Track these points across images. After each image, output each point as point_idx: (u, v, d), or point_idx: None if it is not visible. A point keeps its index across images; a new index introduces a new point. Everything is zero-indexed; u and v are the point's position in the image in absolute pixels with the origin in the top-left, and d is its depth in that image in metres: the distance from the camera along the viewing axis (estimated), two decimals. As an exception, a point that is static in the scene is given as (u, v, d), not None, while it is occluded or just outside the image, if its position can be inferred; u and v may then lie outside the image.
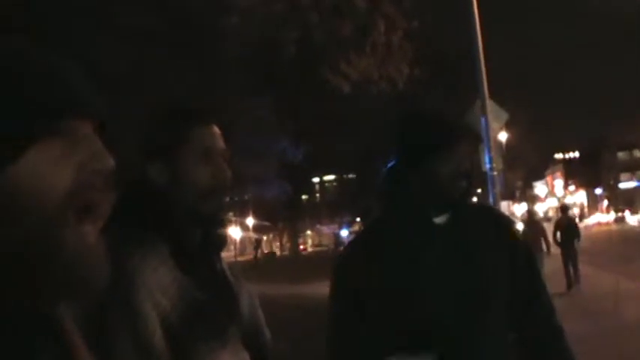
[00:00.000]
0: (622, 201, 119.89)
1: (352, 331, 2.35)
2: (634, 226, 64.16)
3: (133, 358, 1.64)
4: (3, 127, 0.77)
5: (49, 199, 0.79)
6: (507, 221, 2.64)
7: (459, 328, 2.23)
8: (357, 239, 2.59)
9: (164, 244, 1.80)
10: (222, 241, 1.97)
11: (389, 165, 2.47)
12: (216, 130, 1.96)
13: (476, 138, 2.41)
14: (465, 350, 2.23)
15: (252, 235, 56.43)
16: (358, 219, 74.00)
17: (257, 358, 1.94)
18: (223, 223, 1.95)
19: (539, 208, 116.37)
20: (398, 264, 2.29)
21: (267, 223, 53.99)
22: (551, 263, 16.32)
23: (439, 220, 2.35)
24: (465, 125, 2.40)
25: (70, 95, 0.84)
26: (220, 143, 1.95)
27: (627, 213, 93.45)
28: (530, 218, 18.29)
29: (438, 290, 2.25)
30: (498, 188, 12.33)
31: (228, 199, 2.00)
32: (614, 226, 71.33)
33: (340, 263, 2.47)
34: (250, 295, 2.05)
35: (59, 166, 0.80)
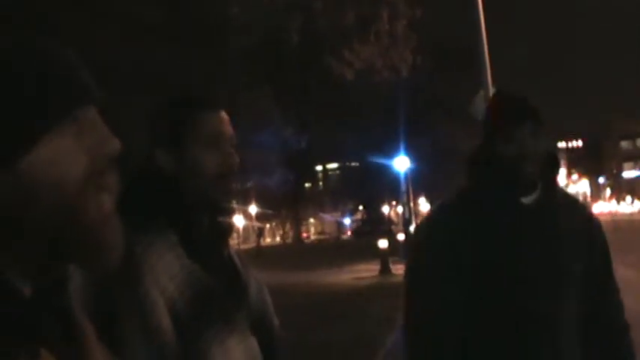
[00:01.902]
0: (625, 190, 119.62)
1: (436, 292, 2.39)
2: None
3: (141, 344, 1.65)
4: (18, 118, 0.82)
5: (65, 183, 0.84)
6: (591, 213, 2.67)
7: (543, 305, 2.30)
8: (444, 210, 2.57)
9: (172, 230, 1.81)
10: (230, 227, 1.97)
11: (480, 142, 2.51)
12: (224, 115, 1.95)
13: (539, 121, 2.36)
14: (547, 328, 2.30)
15: (255, 223, 56.47)
16: (361, 207, 74.08)
17: (265, 344, 1.95)
18: (231, 210, 1.95)
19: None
20: (487, 243, 2.34)
21: (270, 211, 53.98)
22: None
23: (526, 200, 2.39)
24: (528, 107, 2.38)
25: (78, 83, 0.88)
26: (228, 129, 1.95)
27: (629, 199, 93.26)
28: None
29: (523, 271, 2.31)
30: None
31: (234, 185, 2.00)
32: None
33: (428, 233, 2.53)
34: (258, 281, 2.06)
35: (73, 152, 0.85)
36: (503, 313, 2.32)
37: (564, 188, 2.78)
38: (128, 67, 9.61)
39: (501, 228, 2.36)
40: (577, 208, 2.56)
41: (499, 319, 2.32)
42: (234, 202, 2.00)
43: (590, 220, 2.57)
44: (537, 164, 2.34)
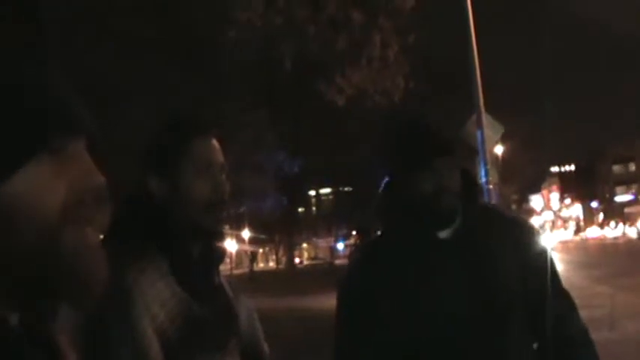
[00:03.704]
0: (617, 214, 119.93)
1: (358, 353, 2.26)
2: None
3: None
4: (3, 149, 0.80)
5: (43, 214, 0.82)
6: (518, 222, 2.47)
7: (478, 345, 2.15)
8: (361, 259, 2.47)
9: (163, 257, 1.80)
10: (221, 254, 1.96)
11: (385, 180, 2.39)
12: (215, 143, 1.96)
13: (453, 150, 2.25)
14: None
15: (248, 247, 56.28)
16: (354, 232, 74.00)
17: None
18: (222, 237, 1.95)
19: (535, 222, 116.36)
20: (404, 285, 2.20)
21: (263, 236, 53.80)
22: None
23: (443, 234, 2.25)
24: (441, 139, 2.26)
25: (62, 114, 0.86)
26: (219, 157, 1.95)
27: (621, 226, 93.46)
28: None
29: (448, 309, 2.16)
30: (494, 201, 12.35)
31: (225, 212, 1.99)
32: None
33: (345, 285, 2.38)
34: (248, 309, 2.05)
35: (52, 183, 0.83)
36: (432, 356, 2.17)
37: (488, 207, 2.64)
38: (121, 89, 9.64)
39: (417, 269, 2.21)
40: (507, 228, 2.37)
41: None
42: (225, 228, 1.99)
43: (523, 237, 2.37)
44: (456, 195, 2.22)
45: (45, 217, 0.82)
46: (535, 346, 2.36)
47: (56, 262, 0.84)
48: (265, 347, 2.08)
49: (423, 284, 2.19)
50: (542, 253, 2.38)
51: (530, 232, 2.41)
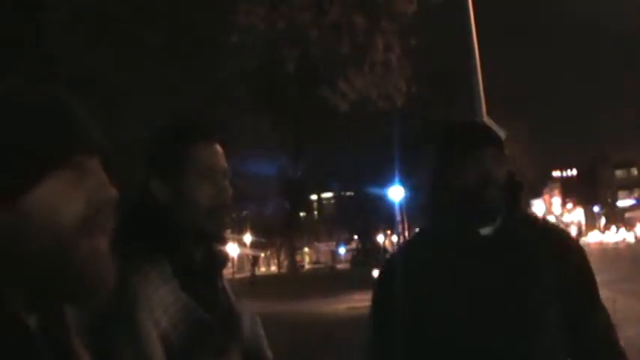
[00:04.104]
0: (619, 218, 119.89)
1: (390, 344, 2.29)
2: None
3: None
4: (23, 160, 0.89)
5: (63, 223, 0.91)
6: (560, 232, 2.44)
7: (503, 353, 2.13)
8: (402, 250, 2.51)
9: (166, 262, 1.80)
10: (224, 259, 1.96)
11: (432, 176, 2.39)
12: (218, 148, 1.96)
13: (500, 146, 2.26)
14: None
15: (250, 252, 56.32)
16: (355, 236, 73.97)
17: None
18: (224, 242, 1.95)
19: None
20: (439, 280, 2.21)
21: (264, 240, 53.84)
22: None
23: (485, 231, 2.24)
24: (489, 132, 2.28)
25: (81, 134, 0.96)
26: (222, 162, 1.95)
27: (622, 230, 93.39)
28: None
29: (478, 310, 2.15)
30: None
31: (228, 217, 1.99)
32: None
33: (383, 275, 2.42)
34: (251, 313, 2.04)
35: (70, 196, 0.92)
36: (459, 356, 2.17)
37: (538, 215, 2.62)
38: (123, 93, 9.64)
39: (455, 264, 2.21)
40: (549, 237, 2.34)
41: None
42: (228, 232, 1.99)
43: (565, 249, 2.34)
44: (501, 190, 2.21)
45: (64, 226, 0.91)
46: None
47: (72, 268, 0.91)
48: (268, 352, 2.07)
49: (458, 279, 2.19)
50: (584, 268, 2.35)
51: (573, 246, 2.39)
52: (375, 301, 2.44)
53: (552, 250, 2.28)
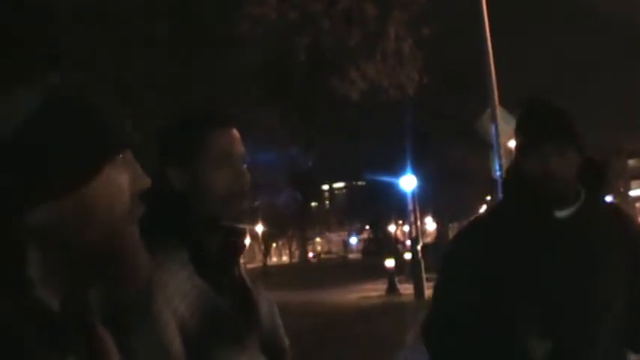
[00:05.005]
0: (632, 209, 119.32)
1: (457, 325, 2.32)
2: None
3: None
4: (83, 152, 0.96)
5: (114, 214, 0.98)
6: (636, 226, 2.44)
7: (570, 337, 2.15)
8: (476, 226, 2.53)
9: (183, 249, 1.80)
10: (241, 246, 1.95)
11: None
12: (235, 133, 1.94)
13: (565, 138, 2.25)
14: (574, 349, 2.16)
15: (262, 242, 56.37)
16: (367, 226, 73.93)
17: (276, 365, 1.93)
18: (242, 229, 1.93)
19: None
20: (515, 258, 2.24)
21: (276, 231, 53.90)
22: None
23: (561, 214, 2.26)
24: (553, 125, 2.27)
25: (125, 129, 1.04)
26: (240, 147, 1.93)
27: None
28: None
29: (550, 292, 2.18)
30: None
31: (247, 204, 1.98)
32: None
33: (456, 249, 2.47)
34: (269, 301, 2.04)
35: (121, 187, 1.00)
36: (522, 331, 2.19)
37: (606, 201, 2.60)
38: (133, 84, 9.63)
39: (528, 243, 2.24)
40: (625, 223, 2.35)
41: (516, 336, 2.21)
42: (246, 219, 1.98)
43: (634, 229, 2.35)
44: (565, 182, 2.22)
45: (117, 215, 0.99)
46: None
47: (120, 255, 0.99)
48: (286, 340, 2.07)
49: (528, 259, 2.22)
50: None
51: None
52: (445, 285, 2.46)
53: (627, 240, 2.30)
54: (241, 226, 1.92)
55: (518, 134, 2.33)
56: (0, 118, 0.94)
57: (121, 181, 1.00)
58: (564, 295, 2.18)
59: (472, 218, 2.61)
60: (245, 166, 1.93)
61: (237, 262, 1.97)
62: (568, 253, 2.22)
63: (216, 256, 1.86)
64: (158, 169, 1.89)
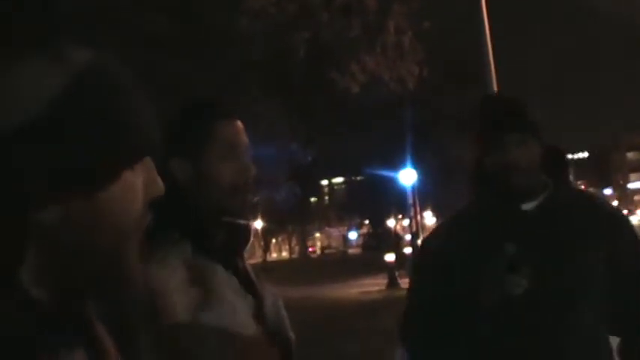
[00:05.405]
0: (631, 201, 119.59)
1: (428, 316, 2.34)
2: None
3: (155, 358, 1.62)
4: (114, 154, 0.89)
5: (126, 221, 0.92)
6: (609, 209, 2.41)
7: (550, 327, 2.13)
8: (449, 221, 2.54)
9: (187, 241, 1.77)
10: (246, 239, 1.92)
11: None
12: (240, 125, 1.92)
13: (526, 129, 2.23)
14: (545, 350, 2.14)
15: (261, 238, 56.48)
16: (367, 221, 74.09)
17: (282, 358, 1.91)
18: (247, 221, 1.91)
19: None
20: (483, 252, 2.22)
21: (275, 226, 53.99)
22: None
23: (527, 206, 2.24)
24: (512, 116, 2.24)
25: (151, 131, 0.96)
26: (245, 139, 1.91)
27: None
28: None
29: (515, 278, 2.15)
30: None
31: (251, 196, 1.95)
32: None
33: (424, 248, 2.49)
34: (273, 294, 2.01)
35: (136, 193, 0.93)
36: (498, 326, 2.20)
37: (587, 191, 2.60)
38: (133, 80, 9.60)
39: (497, 237, 2.22)
40: (597, 214, 2.31)
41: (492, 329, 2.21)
42: (250, 213, 1.95)
43: (614, 226, 2.31)
44: (529, 173, 2.20)
45: (128, 222, 0.92)
46: (617, 341, 2.32)
47: (123, 264, 0.93)
48: (291, 334, 2.04)
49: (497, 253, 2.19)
50: (631, 245, 2.30)
51: (623, 224, 2.36)
52: (416, 280, 2.49)
53: (599, 224, 2.27)
54: (243, 221, 1.90)
55: (477, 129, 2.30)
56: (20, 97, 0.84)
57: (138, 185, 0.93)
58: (534, 286, 2.14)
59: (447, 216, 2.63)
60: (249, 158, 1.91)
61: (242, 255, 1.94)
62: (537, 245, 2.19)
63: (221, 249, 1.84)
64: (160, 159, 1.85)
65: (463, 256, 2.26)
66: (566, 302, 2.16)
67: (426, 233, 2.69)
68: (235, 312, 1.76)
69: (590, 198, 2.44)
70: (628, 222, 2.39)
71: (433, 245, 2.45)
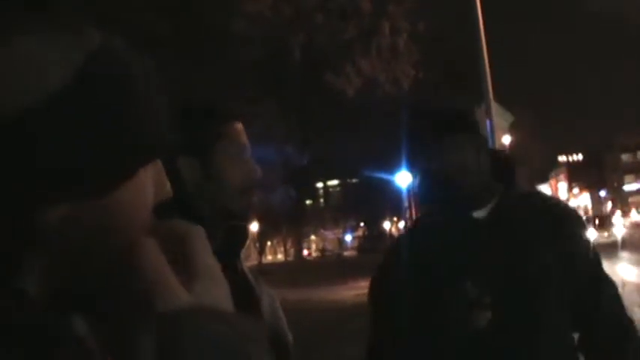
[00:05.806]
0: (626, 203, 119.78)
1: (389, 333, 2.30)
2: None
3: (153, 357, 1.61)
4: (130, 153, 0.83)
5: (135, 224, 0.86)
6: (557, 206, 2.35)
7: (510, 332, 2.09)
8: (402, 237, 2.55)
9: None
10: (242, 240, 1.93)
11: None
12: (241, 126, 1.92)
13: (468, 127, 2.18)
14: (511, 357, 2.10)
15: (256, 240, 56.42)
16: (362, 224, 74.15)
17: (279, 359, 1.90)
18: (249, 221, 1.92)
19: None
20: (432, 263, 2.18)
21: (271, 229, 53.92)
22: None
23: (478, 213, 2.17)
24: (442, 120, 2.17)
25: (169, 130, 0.91)
26: (247, 141, 1.92)
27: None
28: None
29: (472, 287, 2.10)
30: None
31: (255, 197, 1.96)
32: None
33: (382, 263, 2.43)
34: (271, 296, 2.01)
35: (147, 195, 0.88)
36: (461, 338, 2.14)
37: (539, 192, 2.56)
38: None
39: (450, 246, 2.16)
40: (548, 214, 2.25)
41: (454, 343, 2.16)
42: (252, 214, 1.96)
43: (564, 225, 2.26)
44: (472, 179, 2.13)
45: (137, 226, 0.86)
46: (576, 338, 2.28)
47: (130, 268, 0.86)
48: (289, 335, 2.04)
49: (449, 261, 2.15)
50: (584, 243, 2.28)
51: (572, 222, 2.31)
52: (375, 288, 2.42)
53: (549, 225, 2.21)
54: (242, 223, 1.90)
55: (416, 135, 2.23)
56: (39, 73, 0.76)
57: (149, 187, 0.87)
58: (497, 292, 2.10)
59: (402, 232, 2.59)
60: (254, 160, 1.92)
61: (239, 256, 1.94)
62: (488, 253, 2.14)
63: (219, 249, 1.83)
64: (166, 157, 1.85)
65: (420, 284, 2.19)
66: (527, 305, 2.12)
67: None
68: None
69: (541, 199, 2.38)
70: (576, 218, 2.34)
71: (391, 274, 2.35)
